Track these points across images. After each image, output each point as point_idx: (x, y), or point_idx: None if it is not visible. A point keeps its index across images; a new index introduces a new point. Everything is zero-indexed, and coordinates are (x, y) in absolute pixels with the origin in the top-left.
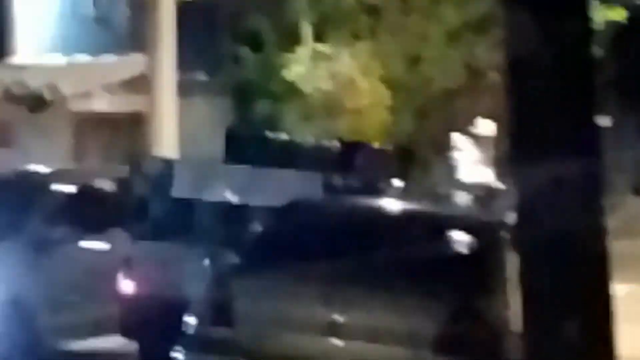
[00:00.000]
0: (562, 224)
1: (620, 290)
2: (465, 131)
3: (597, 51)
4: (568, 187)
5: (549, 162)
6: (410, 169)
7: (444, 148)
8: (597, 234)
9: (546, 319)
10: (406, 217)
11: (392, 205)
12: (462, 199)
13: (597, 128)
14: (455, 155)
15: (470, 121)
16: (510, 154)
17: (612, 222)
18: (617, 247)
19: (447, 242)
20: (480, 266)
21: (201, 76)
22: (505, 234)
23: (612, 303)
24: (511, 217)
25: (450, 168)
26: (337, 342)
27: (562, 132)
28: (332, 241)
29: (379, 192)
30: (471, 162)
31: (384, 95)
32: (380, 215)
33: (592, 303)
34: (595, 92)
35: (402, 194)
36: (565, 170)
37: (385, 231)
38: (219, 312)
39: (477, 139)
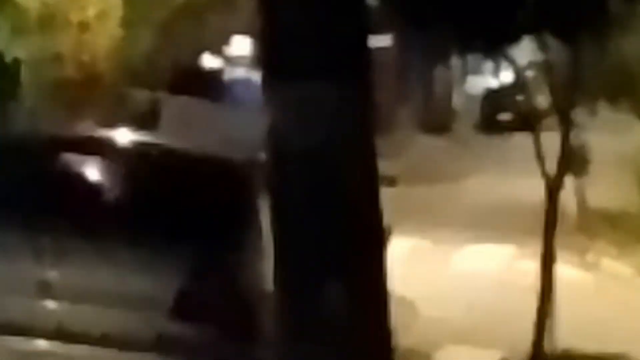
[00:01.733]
0: (324, 165)
1: (401, 245)
2: (218, 51)
3: None
4: (332, 120)
5: (308, 89)
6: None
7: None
8: (368, 178)
9: (304, 278)
10: (137, 154)
11: (124, 138)
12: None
13: (369, 48)
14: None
15: (224, 39)
16: (263, 78)
17: (394, 165)
18: (401, 194)
19: (185, 184)
20: (226, 214)
21: None
22: (256, 175)
23: (385, 261)
24: (263, 155)
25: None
26: (50, 304)
27: (324, 52)
28: (45, 181)
29: None
30: None
31: (115, 3)
32: (108, 151)
33: (361, 260)
34: (365, 3)
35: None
36: (328, 100)
37: (111, 169)
38: None
39: (232, 60)
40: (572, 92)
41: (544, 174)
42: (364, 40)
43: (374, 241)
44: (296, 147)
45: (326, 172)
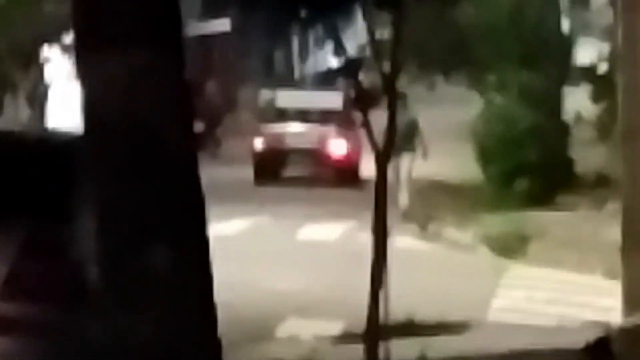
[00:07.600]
0: (140, 133)
1: (241, 222)
2: (57, 40)
3: None
4: (146, 89)
5: (120, 60)
6: None
7: (29, 62)
8: (186, 143)
9: (126, 246)
10: None
11: None
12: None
13: (179, 16)
14: (47, 69)
15: (62, 28)
16: (76, 51)
17: (238, 144)
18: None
19: (12, 164)
20: (53, 191)
21: None
22: (73, 150)
23: (206, 223)
24: (80, 127)
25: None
26: None
27: (135, 22)
28: None
29: None
30: None
31: None
32: None
33: (182, 224)
34: None
35: None
36: (140, 69)
37: None
38: None
39: (70, 49)
40: (396, 67)
41: (374, 147)
42: (174, 8)
43: (194, 205)
44: (111, 117)
45: (143, 140)
